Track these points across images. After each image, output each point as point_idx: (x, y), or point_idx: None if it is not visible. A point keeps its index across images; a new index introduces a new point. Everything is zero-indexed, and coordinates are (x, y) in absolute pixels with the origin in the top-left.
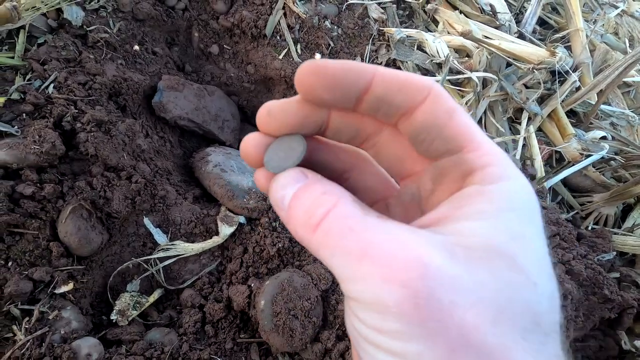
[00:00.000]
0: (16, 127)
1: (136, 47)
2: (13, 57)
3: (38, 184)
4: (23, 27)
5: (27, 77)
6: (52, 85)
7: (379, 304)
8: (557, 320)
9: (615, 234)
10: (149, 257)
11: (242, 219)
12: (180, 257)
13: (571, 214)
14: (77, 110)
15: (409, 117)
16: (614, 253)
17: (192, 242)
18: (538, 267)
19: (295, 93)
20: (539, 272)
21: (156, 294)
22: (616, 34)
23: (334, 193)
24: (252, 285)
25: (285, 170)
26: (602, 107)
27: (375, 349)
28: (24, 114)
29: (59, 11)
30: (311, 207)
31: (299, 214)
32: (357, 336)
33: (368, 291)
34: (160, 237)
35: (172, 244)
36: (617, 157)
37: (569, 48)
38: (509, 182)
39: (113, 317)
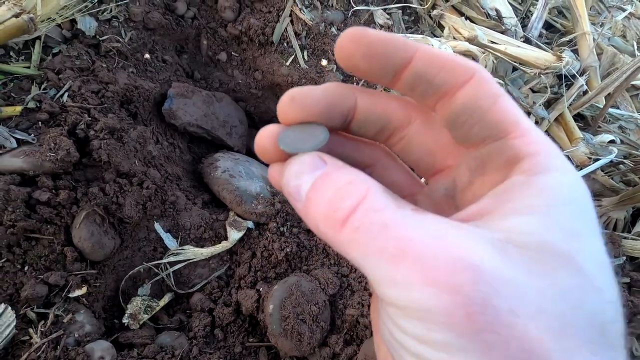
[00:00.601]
0: (32, 135)
1: (147, 56)
2: (29, 67)
3: (53, 191)
4: (39, 37)
5: (43, 86)
6: (66, 94)
7: (423, 311)
8: (622, 329)
9: (625, 238)
10: (159, 261)
11: (250, 224)
12: (190, 261)
13: None
14: (90, 118)
15: (449, 99)
16: (624, 258)
17: (202, 246)
18: (600, 269)
19: None
20: (602, 275)
21: (166, 298)
22: (624, 36)
23: (362, 182)
24: (260, 289)
25: (301, 153)
26: (610, 110)
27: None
28: (40, 122)
29: (73, 22)
30: (335, 199)
31: (321, 207)
32: (395, 344)
33: (410, 297)
34: (170, 241)
35: (182, 249)
36: (626, 160)
37: (575, 52)
38: (560, 174)
39: (125, 320)
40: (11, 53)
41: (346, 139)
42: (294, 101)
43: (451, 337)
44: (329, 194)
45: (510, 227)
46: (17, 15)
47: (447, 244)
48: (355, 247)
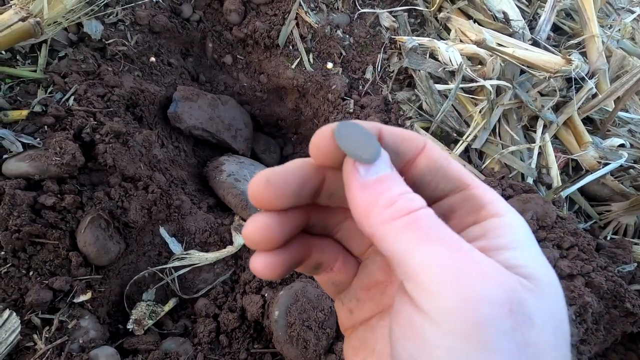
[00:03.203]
0: (38, 139)
1: (152, 59)
2: (35, 71)
3: (59, 195)
4: (45, 41)
5: (49, 90)
6: (72, 97)
7: (471, 295)
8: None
9: (635, 244)
10: (164, 266)
11: None
12: (195, 266)
13: (589, 223)
14: (96, 122)
15: (412, 164)
16: (635, 264)
17: (207, 251)
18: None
19: (306, 100)
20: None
21: (171, 303)
22: (633, 39)
23: (420, 199)
24: (265, 295)
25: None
26: (620, 114)
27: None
28: (46, 126)
29: (79, 25)
30: (402, 193)
31: (389, 192)
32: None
33: (462, 283)
34: (175, 246)
35: (187, 253)
36: (636, 165)
37: (584, 54)
38: (512, 214)
39: (129, 326)
40: (18, 57)
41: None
42: (268, 184)
43: (495, 322)
44: (400, 189)
45: (507, 259)
46: (23, 19)
47: (492, 260)
48: (411, 232)
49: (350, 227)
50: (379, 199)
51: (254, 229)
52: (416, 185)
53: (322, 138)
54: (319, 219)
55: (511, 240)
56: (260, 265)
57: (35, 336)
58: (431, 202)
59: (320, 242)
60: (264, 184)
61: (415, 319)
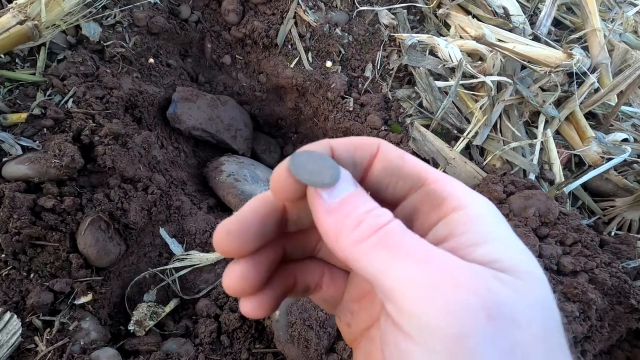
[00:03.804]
0: (37, 141)
1: (151, 60)
2: (34, 74)
3: (58, 197)
4: (44, 44)
5: (48, 92)
6: (71, 100)
7: (450, 309)
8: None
9: None
10: (165, 267)
11: None
12: (196, 267)
13: (592, 219)
14: (95, 124)
15: (369, 169)
16: None
17: (207, 251)
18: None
19: (306, 99)
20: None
21: (172, 304)
22: (635, 32)
23: (388, 212)
24: None
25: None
26: (623, 108)
27: None
28: (45, 129)
29: (78, 28)
30: (365, 214)
31: (356, 212)
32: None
33: (437, 296)
34: (175, 247)
35: (188, 254)
36: (639, 160)
37: (586, 49)
38: (478, 202)
39: (131, 327)
40: (16, 60)
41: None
42: (230, 235)
43: (474, 332)
44: (366, 207)
45: (483, 255)
46: (21, 23)
47: (464, 263)
48: (381, 250)
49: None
50: (346, 222)
51: (231, 281)
52: (376, 189)
53: (278, 176)
54: (294, 245)
55: (479, 234)
56: (250, 309)
57: (36, 338)
58: (394, 204)
59: (303, 265)
60: (226, 237)
61: (400, 342)
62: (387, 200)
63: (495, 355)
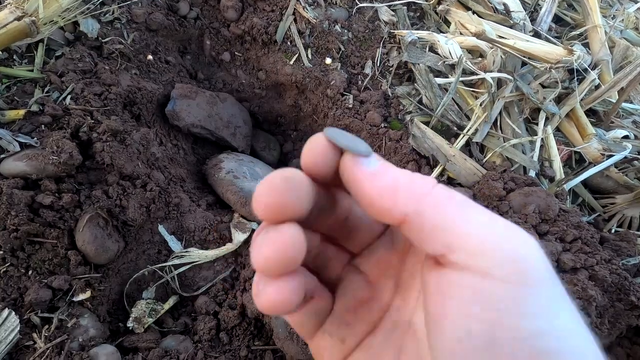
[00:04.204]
0: (35, 138)
1: (150, 57)
2: (32, 70)
3: (56, 194)
4: (41, 40)
5: (46, 89)
6: (69, 96)
7: (518, 259)
8: None
9: None
10: (163, 264)
11: (255, 226)
12: (195, 264)
13: (593, 216)
14: (93, 121)
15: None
16: None
17: (206, 249)
18: None
19: (305, 97)
20: None
21: (171, 301)
22: (636, 29)
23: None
24: None
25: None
26: (624, 105)
27: (502, 314)
28: (43, 126)
29: (76, 24)
30: (410, 174)
31: (400, 175)
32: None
33: (503, 237)
34: (174, 244)
35: (187, 251)
36: None
37: (586, 45)
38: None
39: (129, 324)
40: (14, 57)
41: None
42: (288, 180)
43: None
44: (409, 173)
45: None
46: (19, 19)
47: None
48: (451, 200)
49: (326, 251)
50: (399, 179)
51: (285, 244)
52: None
53: (316, 143)
54: None
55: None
56: (285, 292)
57: (34, 335)
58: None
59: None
60: (283, 181)
61: (470, 280)
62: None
63: (550, 274)
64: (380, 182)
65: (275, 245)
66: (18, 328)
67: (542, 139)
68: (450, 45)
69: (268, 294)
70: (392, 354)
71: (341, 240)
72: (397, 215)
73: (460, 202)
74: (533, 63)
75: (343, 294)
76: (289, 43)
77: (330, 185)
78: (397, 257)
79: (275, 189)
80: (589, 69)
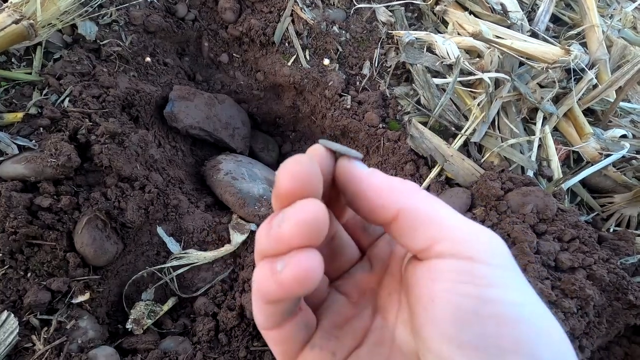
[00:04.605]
0: (34, 141)
1: (148, 59)
2: (30, 73)
3: (55, 196)
4: (40, 43)
5: (44, 92)
6: (67, 99)
7: (488, 239)
8: None
9: (638, 236)
10: (162, 265)
11: (253, 227)
12: (193, 265)
13: (591, 215)
14: (91, 123)
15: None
16: (638, 256)
17: (205, 250)
18: None
19: (303, 97)
20: None
21: (170, 303)
22: (634, 28)
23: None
24: None
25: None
26: (622, 104)
27: (487, 289)
28: (41, 128)
29: (74, 27)
30: (401, 179)
31: (392, 178)
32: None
33: (480, 230)
34: (173, 245)
35: (185, 253)
36: (638, 155)
37: (584, 45)
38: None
39: (128, 326)
40: (13, 59)
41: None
42: (312, 160)
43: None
44: (397, 178)
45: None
46: (17, 22)
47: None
48: (433, 202)
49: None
50: (392, 178)
51: (316, 212)
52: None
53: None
54: None
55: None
56: (313, 262)
57: (34, 337)
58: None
59: None
60: (309, 158)
61: (455, 265)
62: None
63: (514, 262)
64: (376, 180)
65: (305, 214)
66: (17, 330)
67: (540, 138)
68: (448, 45)
69: (299, 262)
70: None
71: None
72: (392, 211)
73: (438, 201)
74: (530, 63)
75: (328, 311)
76: (286, 44)
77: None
78: (374, 279)
79: (302, 162)
80: (587, 69)
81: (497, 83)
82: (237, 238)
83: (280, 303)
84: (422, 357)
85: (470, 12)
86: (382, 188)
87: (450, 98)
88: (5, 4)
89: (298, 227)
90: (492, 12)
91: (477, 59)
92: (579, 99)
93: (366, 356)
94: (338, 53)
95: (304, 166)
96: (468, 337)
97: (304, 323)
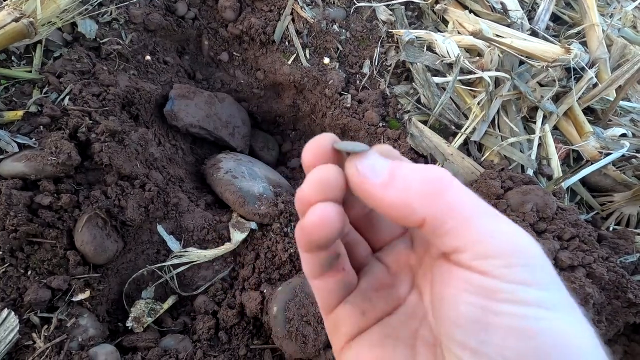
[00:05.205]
0: (34, 139)
1: (148, 57)
2: (30, 71)
3: (55, 194)
4: (40, 41)
5: (44, 90)
6: (67, 97)
7: (527, 257)
8: None
9: (638, 234)
10: (162, 264)
11: (253, 225)
12: (193, 263)
13: (591, 214)
14: (91, 121)
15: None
16: (638, 255)
17: (205, 248)
18: None
19: (303, 96)
20: None
21: (170, 301)
22: (634, 27)
23: (435, 168)
24: (264, 291)
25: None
26: (621, 103)
27: (514, 305)
28: (41, 126)
29: (74, 25)
30: (426, 170)
31: (414, 175)
32: (468, 296)
33: (515, 240)
34: (173, 244)
35: (185, 251)
36: (638, 154)
37: (584, 44)
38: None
39: (129, 324)
40: (13, 58)
41: None
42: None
43: (545, 275)
44: (416, 166)
45: None
46: (17, 20)
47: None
48: (459, 208)
49: (354, 235)
50: (410, 185)
51: (327, 170)
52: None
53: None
54: None
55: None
56: (325, 212)
57: (34, 335)
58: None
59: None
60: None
61: (475, 278)
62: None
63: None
64: (391, 193)
65: (317, 174)
66: (17, 328)
67: (539, 137)
68: (448, 44)
69: (314, 210)
70: (409, 334)
71: (365, 234)
72: (415, 221)
73: (471, 205)
74: (530, 62)
75: (367, 275)
76: (287, 43)
77: None
78: (414, 256)
79: (322, 136)
80: (587, 68)
81: (497, 82)
82: (237, 236)
83: (315, 253)
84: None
85: (471, 11)
86: (398, 202)
87: (450, 97)
88: (5, 2)
89: (313, 185)
90: (492, 11)
91: (477, 57)
92: (579, 98)
93: (395, 324)
94: (338, 52)
95: (321, 139)
96: (471, 342)
97: (343, 282)
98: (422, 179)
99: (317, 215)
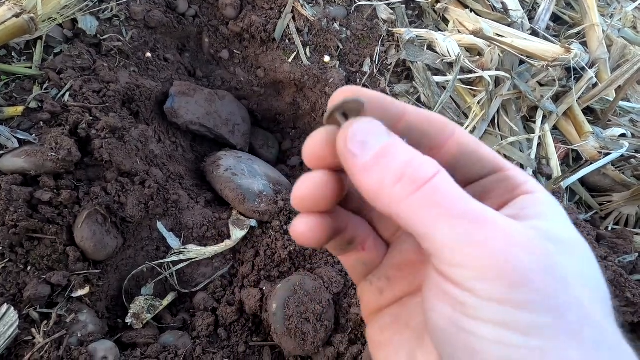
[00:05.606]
0: (34, 135)
1: (148, 54)
2: (31, 67)
3: (55, 190)
4: (40, 37)
5: (45, 86)
6: (68, 93)
7: (502, 267)
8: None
9: (636, 234)
10: (162, 260)
11: (253, 223)
12: (193, 260)
13: (590, 214)
14: (91, 118)
15: (441, 149)
16: (636, 254)
17: (205, 245)
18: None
19: (304, 94)
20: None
21: (170, 297)
22: (634, 27)
23: (430, 161)
24: (264, 288)
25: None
26: (621, 103)
27: (484, 324)
28: (42, 122)
29: (74, 21)
30: (413, 162)
31: (395, 164)
32: (452, 314)
33: (492, 256)
34: (173, 241)
35: (185, 248)
36: (637, 154)
37: (584, 44)
38: (543, 192)
39: (128, 320)
40: (13, 53)
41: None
42: (329, 140)
43: (533, 296)
44: (405, 156)
45: (538, 226)
46: (17, 15)
47: (519, 224)
48: (430, 209)
49: None
50: (385, 178)
51: (310, 184)
52: (449, 168)
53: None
54: (354, 193)
55: (540, 211)
56: (305, 228)
57: (33, 330)
58: (464, 184)
59: (354, 218)
60: (327, 139)
61: (447, 287)
62: (461, 178)
63: (547, 305)
64: (367, 179)
65: (303, 183)
66: (17, 323)
67: (539, 137)
68: (449, 43)
69: (295, 227)
70: (421, 322)
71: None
72: (383, 212)
73: (443, 209)
74: (531, 61)
75: (394, 251)
76: (287, 41)
77: None
78: None
79: (318, 139)
80: (587, 68)
81: (497, 81)
82: (236, 234)
83: (328, 243)
84: None
85: (471, 10)
86: (370, 191)
87: (451, 96)
88: None
89: (295, 199)
90: (493, 10)
91: (478, 57)
92: (579, 98)
93: (413, 308)
94: (339, 50)
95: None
96: (443, 352)
97: (362, 261)
98: (400, 173)
99: (296, 229)
